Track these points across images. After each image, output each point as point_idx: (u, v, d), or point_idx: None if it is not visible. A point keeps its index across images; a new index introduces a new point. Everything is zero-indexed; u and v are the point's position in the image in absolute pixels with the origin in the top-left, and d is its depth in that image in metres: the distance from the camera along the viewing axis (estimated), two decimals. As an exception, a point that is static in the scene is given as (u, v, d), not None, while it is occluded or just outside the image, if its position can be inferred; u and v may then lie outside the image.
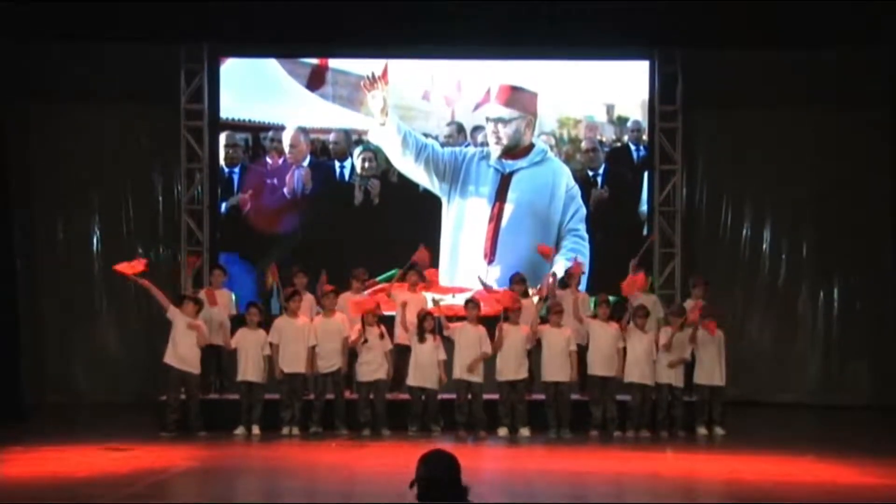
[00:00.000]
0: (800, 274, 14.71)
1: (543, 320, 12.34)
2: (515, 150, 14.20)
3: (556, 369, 11.98)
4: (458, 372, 12.01)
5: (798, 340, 14.64)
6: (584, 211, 14.21)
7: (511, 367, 12.00)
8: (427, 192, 14.24)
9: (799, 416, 13.61)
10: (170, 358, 11.83)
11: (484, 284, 12.97)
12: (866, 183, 14.40)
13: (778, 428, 12.71)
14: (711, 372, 12.12)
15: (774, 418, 13.39)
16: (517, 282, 12.72)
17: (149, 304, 13.40)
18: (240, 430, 11.91)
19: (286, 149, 14.23)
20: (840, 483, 9.26)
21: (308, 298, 12.59)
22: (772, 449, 10.93)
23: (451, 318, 12.32)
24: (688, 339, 12.08)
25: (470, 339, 12.03)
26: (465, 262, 14.14)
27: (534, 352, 12.14)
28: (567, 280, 12.82)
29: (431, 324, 12.03)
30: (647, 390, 12.03)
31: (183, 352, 11.80)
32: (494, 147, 14.17)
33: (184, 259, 13.84)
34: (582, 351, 12.16)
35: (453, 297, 12.99)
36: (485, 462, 10.48)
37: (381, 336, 11.99)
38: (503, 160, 14.19)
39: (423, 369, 11.97)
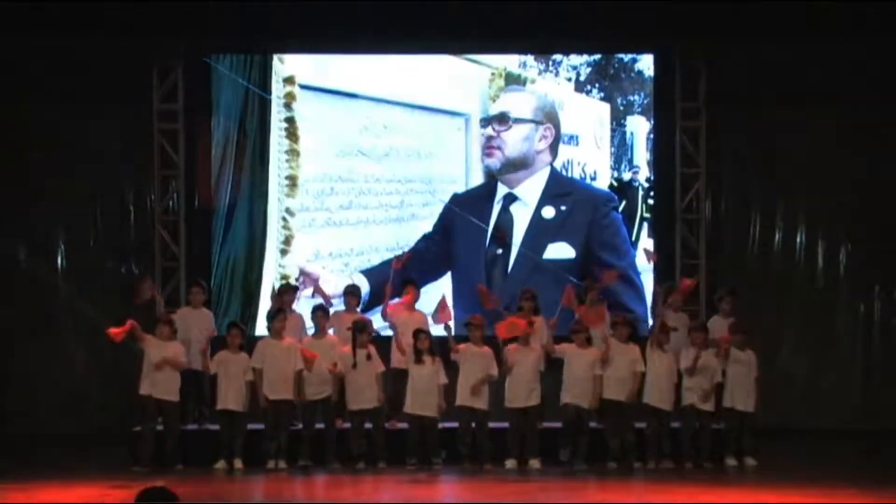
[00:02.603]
0: (837, 287, 14.62)
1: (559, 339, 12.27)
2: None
3: (579, 393, 11.90)
4: (461, 398, 11.91)
5: (836, 361, 14.53)
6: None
7: (522, 394, 11.91)
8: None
9: (838, 444, 13.49)
10: (146, 387, 11.76)
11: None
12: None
13: (815, 457, 12.63)
14: (741, 396, 12.05)
15: (811, 447, 13.29)
16: (527, 298, 12.60)
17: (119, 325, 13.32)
18: (220, 464, 11.81)
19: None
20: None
21: (295, 319, 12.53)
22: (809, 481, 10.84)
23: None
24: (716, 360, 12.01)
25: (474, 362, 11.94)
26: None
27: (547, 375, 12.06)
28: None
29: (426, 343, 11.94)
30: (663, 416, 11.96)
31: (160, 378, 11.73)
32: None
33: (158, 275, 13.77)
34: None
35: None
36: (493, 497, 10.39)
37: (369, 357, 11.89)
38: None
39: (422, 395, 11.89)
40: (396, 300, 12.73)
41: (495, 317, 12.41)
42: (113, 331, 11.91)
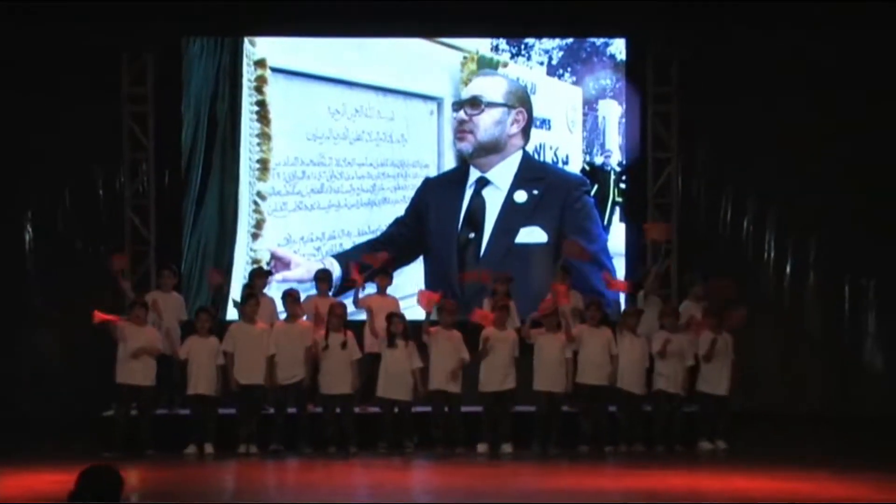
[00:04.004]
0: (808, 273, 14.66)
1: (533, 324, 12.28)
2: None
3: (551, 378, 11.91)
4: (435, 382, 11.90)
5: (806, 346, 14.58)
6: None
7: (497, 378, 11.92)
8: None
9: (809, 428, 13.54)
10: (123, 376, 11.69)
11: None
12: (881, 177, 14.33)
13: (785, 442, 12.68)
14: (715, 380, 12.09)
15: (781, 432, 13.34)
16: (502, 280, 12.61)
17: (92, 307, 13.22)
18: (191, 449, 11.77)
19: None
20: (854, 500, 9.24)
21: (267, 303, 12.49)
22: (780, 465, 10.91)
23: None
24: (687, 343, 12.06)
25: (446, 346, 11.94)
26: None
27: (520, 360, 12.06)
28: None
29: (400, 326, 11.92)
30: (635, 400, 11.98)
31: (137, 365, 11.67)
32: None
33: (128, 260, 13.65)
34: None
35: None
36: (465, 481, 10.39)
37: (344, 345, 11.86)
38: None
39: (395, 379, 11.87)
40: (371, 291, 12.71)
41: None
42: (99, 315, 11.83)
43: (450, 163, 14.27)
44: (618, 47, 14.47)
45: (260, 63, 13.98)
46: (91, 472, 4.93)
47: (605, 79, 14.50)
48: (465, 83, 14.21)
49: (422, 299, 12.33)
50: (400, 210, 14.19)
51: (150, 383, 11.78)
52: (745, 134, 14.42)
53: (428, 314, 12.13)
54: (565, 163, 14.44)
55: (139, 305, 11.93)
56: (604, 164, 14.48)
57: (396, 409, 11.91)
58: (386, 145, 14.21)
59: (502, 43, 14.34)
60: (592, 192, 14.33)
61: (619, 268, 14.12)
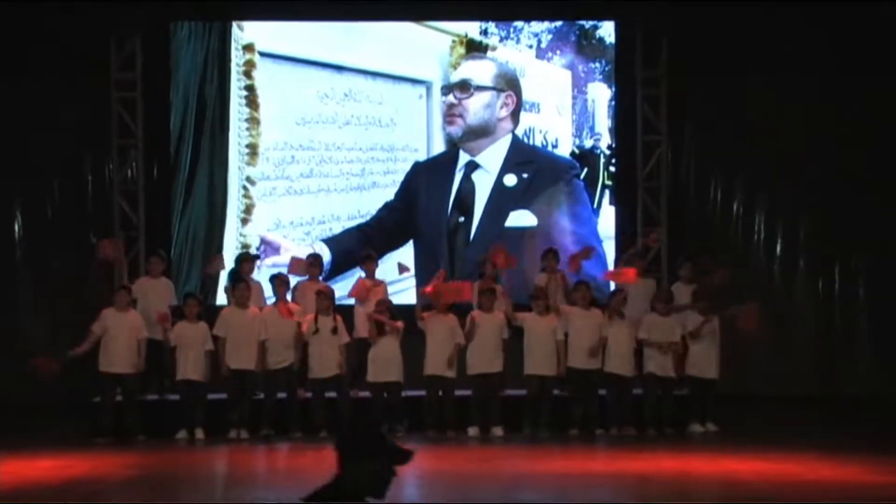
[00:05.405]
0: (797, 255, 14.71)
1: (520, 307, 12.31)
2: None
3: (542, 362, 11.96)
4: (432, 367, 11.95)
5: (795, 328, 14.64)
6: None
7: (484, 360, 11.96)
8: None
9: (798, 410, 13.61)
10: (105, 364, 11.72)
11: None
12: (870, 158, 14.36)
13: (776, 423, 12.74)
14: (704, 363, 12.14)
15: (771, 413, 13.40)
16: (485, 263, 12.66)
17: (80, 294, 13.23)
18: (182, 434, 11.81)
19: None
20: (843, 481, 9.28)
21: (256, 288, 12.52)
22: (770, 446, 10.94)
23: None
24: (676, 326, 12.10)
25: (441, 331, 11.98)
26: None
27: (510, 344, 12.11)
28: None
29: (387, 315, 11.95)
30: (625, 383, 12.03)
31: (116, 352, 11.69)
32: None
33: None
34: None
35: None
36: (456, 464, 10.43)
37: (335, 330, 11.91)
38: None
39: (384, 364, 11.92)
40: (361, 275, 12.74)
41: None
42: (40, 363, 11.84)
43: (439, 147, 14.31)
44: (607, 30, 14.50)
45: (248, 47, 14.00)
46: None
47: (594, 62, 14.52)
48: (454, 67, 14.23)
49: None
50: (389, 194, 14.22)
51: (132, 370, 11.81)
52: (735, 116, 14.45)
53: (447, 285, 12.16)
54: (555, 146, 14.48)
55: (122, 290, 11.95)
56: (593, 147, 14.52)
57: (386, 394, 11.95)
58: (375, 129, 14.24)
59: (491, 26, 14.37)
60: (582, 176, 14.37)
61: (609, 251, 14.16)
